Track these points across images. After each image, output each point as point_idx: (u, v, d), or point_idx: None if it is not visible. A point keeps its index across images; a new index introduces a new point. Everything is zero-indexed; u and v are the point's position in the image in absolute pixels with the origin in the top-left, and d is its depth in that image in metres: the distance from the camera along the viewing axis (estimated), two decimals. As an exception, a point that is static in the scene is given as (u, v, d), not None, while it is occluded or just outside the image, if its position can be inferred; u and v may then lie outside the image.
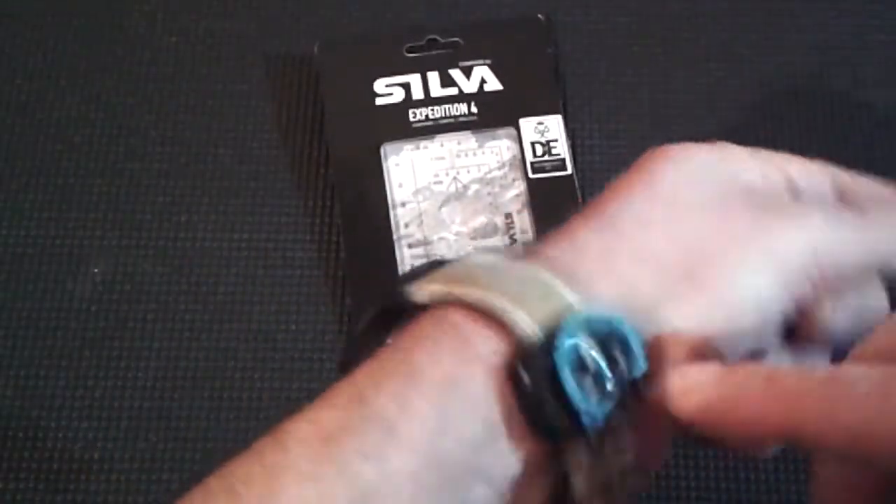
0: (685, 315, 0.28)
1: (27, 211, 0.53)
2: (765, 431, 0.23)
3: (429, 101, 0.53)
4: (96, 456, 0.47)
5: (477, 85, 0.54)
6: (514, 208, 0.51)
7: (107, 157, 0.54)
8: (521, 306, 0.27)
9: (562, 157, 0.52)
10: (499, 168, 0.52)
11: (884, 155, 0.55)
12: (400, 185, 0.51)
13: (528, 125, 0.53)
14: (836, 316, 0.30)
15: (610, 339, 0.27)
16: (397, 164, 0.52)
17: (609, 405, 0.27)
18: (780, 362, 0.30)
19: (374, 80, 0.54)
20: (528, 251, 0.30)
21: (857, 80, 0.57)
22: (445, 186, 0.51)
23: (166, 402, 0.48)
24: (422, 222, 0.50)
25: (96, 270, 0.51)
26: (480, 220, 0.51)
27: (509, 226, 0.51)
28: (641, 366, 0.27)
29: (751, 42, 0.58)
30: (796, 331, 0.30)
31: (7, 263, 0.52)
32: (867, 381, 0.22)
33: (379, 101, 0.53)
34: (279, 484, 0.26)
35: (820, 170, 0.34)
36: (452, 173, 0.52)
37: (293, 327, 0.50)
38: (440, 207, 0.51)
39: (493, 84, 0.54)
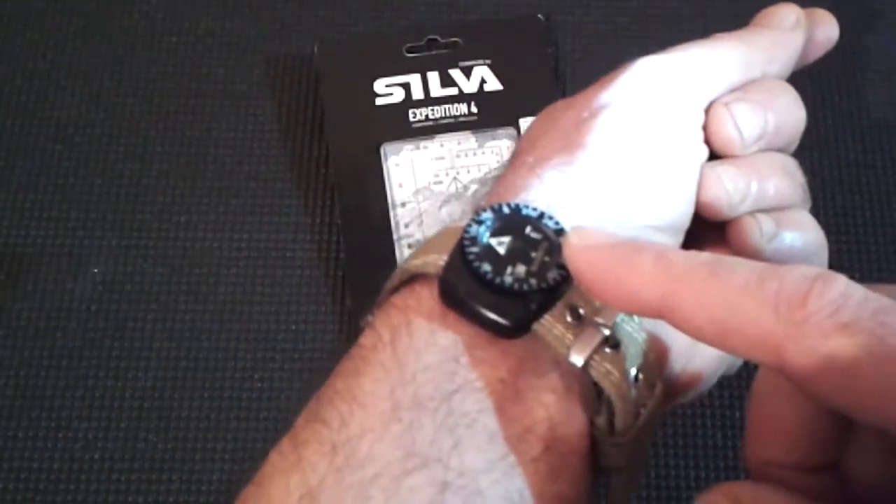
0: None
1: (27, 211, 0.53)
2: (642, 302, 0.24)
3: (429, 100, 0.53)
4: (96, 456, 0.47)
5: (477, 85, 0.54)
6: None
7: (107, 157, 0.54)
8: (440, 252, 0.29)
9: None
10: (499, 168, 0.52)
11: (883, 155, 0.55)
12: (400, 185, 0.51)
13: (528, 125, 0.52)
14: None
15: (519, 223, 0.28)
16: (397, 164, 0.52)
17: (536, 276, 0.28)
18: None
19: (374, 80, 0.54)
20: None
21: (857, 80, 0.57)
22: (445, 186, 0.51)
23: (166, 402, 0.48)
24: (422, 222, 0.51)
25: (96, 270, 0.51)
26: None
27: None
28: (555, 239, 0.28)
29: (751, 42, 0.58)
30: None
31: (7, 263, 0.52)
32: (745, 270, 0.22)
33: (379, 101, 0.53)
34: (263, 489, 0.27)
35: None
36: (452, 173, 0.52)
37: (293, 327, 0.50)
38: (440, 207, 0.51)
39: (493, 84, 0.54)
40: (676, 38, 0.57)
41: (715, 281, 0.23)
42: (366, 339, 0.29)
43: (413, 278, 0.30)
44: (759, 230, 0.32)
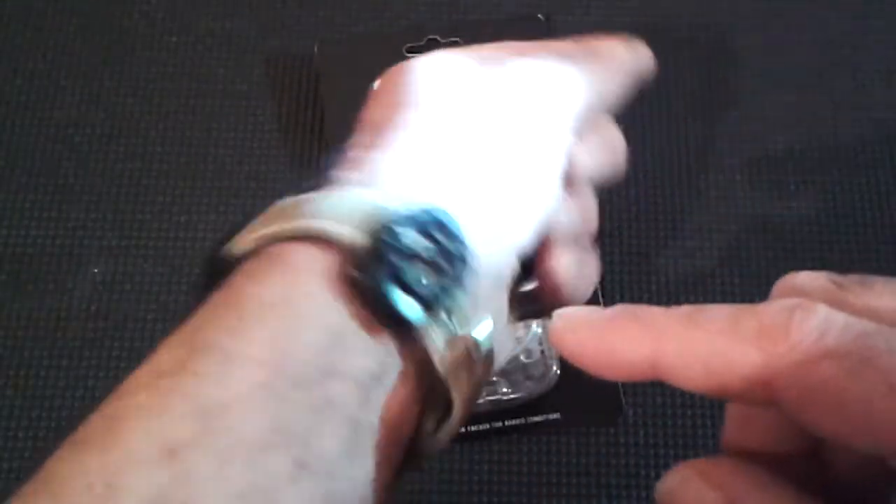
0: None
1: (27, 211, 0.53)
2: (636, 367, 0.24)
3: None
4: (96, 456, 0.47)
5: None
6: None
7: (107, 157, 0.54)
8: (342, 222, 0.28)
9: None
10: None
11: (883, 155, 0.55)
12: None
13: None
14: (589, 157, 0.34)
15: (430, 225, 0.28)
16: None
17: (445, 280, 0.28)
18: (566, 208, 0.33)
19: (375, 80, 0.53)
20: (334, 179, 0.31)
21: (857, 80, 0.57)
22: None
23: (166, 402, 0.48)
24: None
25: (96, 270, 0.51)
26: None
27: None
28: (465, 243, 0.29)
29: (751, 42, 0.58)
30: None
31: (7, 263, 0.52)
32: (722, 313, 0.23)
33: None
34: (121, 424, 0.26)
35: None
36: None
37: (293, 327, 0.50)
38: None
39: None
40: (677, 38, 0.58)
41: (696, 330, 0.23)
42: (252, 283, 0.28)
43: (302, 237, 0.29)
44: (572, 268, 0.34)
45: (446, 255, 0.28)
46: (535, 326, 0.48)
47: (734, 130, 0.55)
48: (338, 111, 0.53)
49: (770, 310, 0.22)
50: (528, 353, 0.48)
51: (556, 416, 0.47)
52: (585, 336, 0.25)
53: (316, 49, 0.55)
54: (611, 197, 0.54)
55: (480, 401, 0.46)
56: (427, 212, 0.29)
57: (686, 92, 0.56)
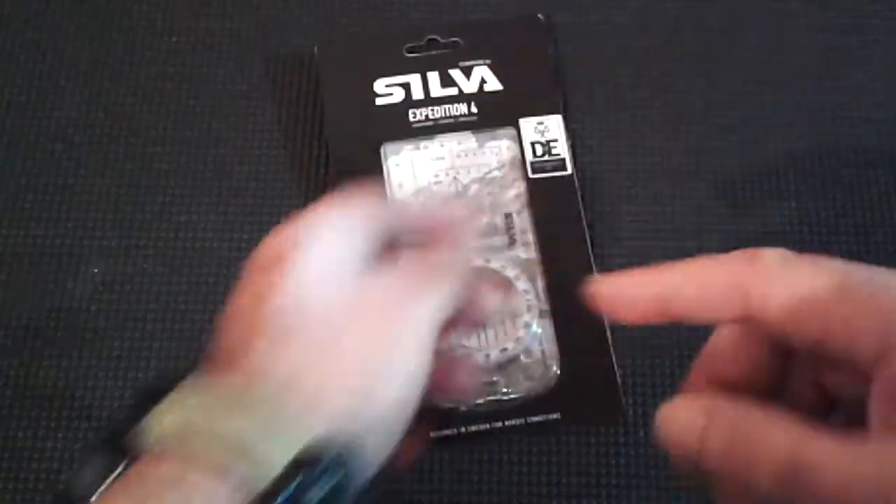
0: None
1: (27, 211, 0.53)
2: (647, 304, 0.29)
3: (429, 101, 0.53)
4: (96, 456, 0.47)
5: (477, 85, 0.54)
6: (513, 208, 0.51)
7: (107, 157, 0.54)
8: (243, 457, 0.29)
9: (562, 157, 0.52)
10: (499, 168, 0.52)
11: (883, 155, 0.55)
12: (400, 186, 0.51)
13: (528, 125, 0.52)
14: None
15: (328, 469, 0.30)
16: (397, 165, 0.52)
17: None
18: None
19: (374, 80, 0.54)
20: (227, 384, 0.32)
21: (858, 80, 0.57)
22: (446, 186, 0.51)
23: (166, 402, 0.48)
24: None
25: (96, 270, 0.51)
26: (481, 220, 0.51)
27: (509, 226, 0.51)
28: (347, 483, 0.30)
29: (751, 42, 0.58)
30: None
31: (7, 263, 0.52)
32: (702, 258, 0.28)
33: (379, 101, 0.53)
34: None
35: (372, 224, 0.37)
36: (452, 173, 0.52)
37: (293, 327, 0.50)
38: None
39: (493, 84, 0.54)
40: (677, 38, 0.58)
41: (690, 264, 0.28)
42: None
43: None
44: None
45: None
46: (535, 326, 0.48)
47: (734, 130, 0.55)
48: (338, 111, 0.53)
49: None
50: (528, 352, 0.47)
51: (555, 416, 0.47)
52: (609, 287, 0.30)
53: (316, 50, 0.55)
54: (611, 197, 0.54)
55: (480, 401, 0.46)
56: (326, 462, 0.29)
57: (686, 91, 0.56)
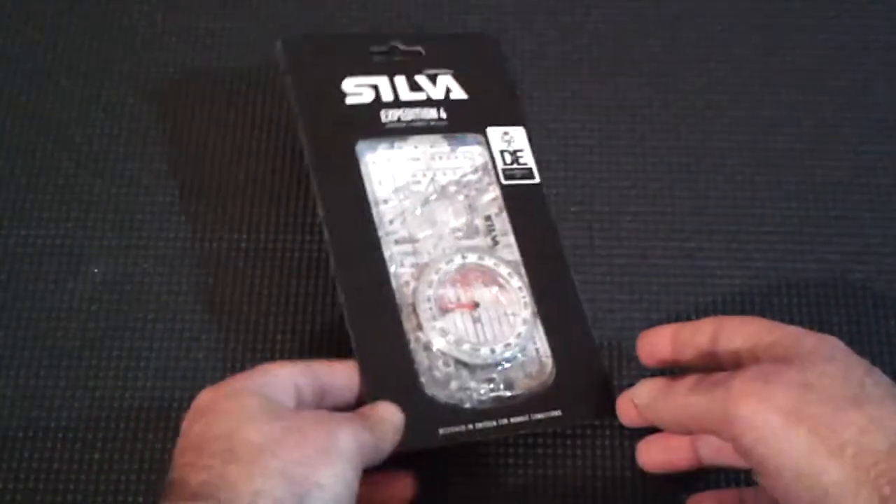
0: None
1: (27, 211, 0.53)
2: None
3: (399, 103, 0.52)
4: (96, 456, 0.47)
5: (443, 92, 0.53)
6: (492, 211, 0.51)
7: (107, 157, 0.54)
8: None
9: (528, 166, 0.52)
10: (473, 172, 0.52)
11: (883, 155, 0.55)
12: (380, 183, 0.50)
13: (495, 134, 0.52)
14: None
15: None
16: (374, 163, 0.50)
17: None
18: None
19: (342, 78, 0.52)
20: None
21: (857, 80, 0.57)
22: (424, 187, 0.51)
23: (166, 402, 0.48)
24: (405, 219, 0.50)
25: (96, 270, 0.51)
26: (462, 221, 0.50)
27: (490, 227, 0.50)
28: None
29: (751, 42, 0.58)
30: None
31: (7, 263, 0.52)
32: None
33: (349, 101, 0.51)
34: None
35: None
36: (430, 175, 0.51)
37: (292, 327, 0.50)
38: (422, 206, 0.50)
39: (459, 93, 0.53)
40: (676, 38, 0.58)
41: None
42: None
43: None
44: None
45: None
46: (532, 323, 0.48)
47: (734, 130, 0.55)
48: (309, 108, 0.51)
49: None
50: (525, 350, 0.47)
51: (557, 412, 0.46)
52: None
53: (279, 45, 0.52)
54: (611, 197, 0.54)
55: (484, 398, 0.46)
56: None
57: (686, 92, 0.56)
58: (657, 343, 0.44)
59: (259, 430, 0.37)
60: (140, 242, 0.52)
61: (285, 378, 0.41)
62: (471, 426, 0.45)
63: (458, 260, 0.49)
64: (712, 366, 0.42)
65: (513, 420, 0.46)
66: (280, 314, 0.50)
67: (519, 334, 0.47)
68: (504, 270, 0.49)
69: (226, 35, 0.58)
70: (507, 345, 0.47)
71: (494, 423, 0.45)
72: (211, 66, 0.57)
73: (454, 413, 0.45)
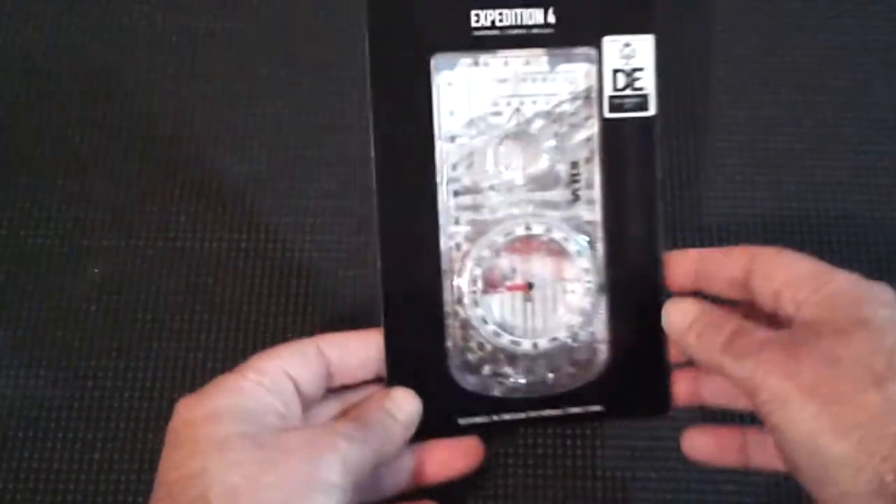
0: None
1: (27, 211, 0.53)
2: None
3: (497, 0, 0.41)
4: (96, 456, 0.47)
5: None
6: (582, 155, 0.42)
7: (107, 156, 0.54)
8: None
9: (645, 92, 0.42)
10: (570, 101, 0.42)
11: (883, 155, 0.55)
12: (451, 113, 0.41)
13: (612, 46, 0.42)
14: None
15: None
16: (450, 84, 0.41)
17: None
18: None
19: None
20: None
21: (857, 80, 0.57)
22: (505, 119, 0.42)
23: (166, 402, 0.48)
24: (472, 163, 0.42)
25: (96, 270, 0.51)
26: (542, 167, 0.42)
27: (574, 177, 0.42)
28: None
29: (751, 42, 0.58)
30: None
31: (7, 263, 0.52)
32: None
33: None
34: None
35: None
36: (515, 102, 0.42)
37: (292, 327, 0.50)
38: (496, 146, 0.42)
39: None
40: (676, 37, 0.58)
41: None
42: None
43: None
44: None
45: None
46: (590, 310, 0.42)
47: (734, 130, 0.55)
48: (379, 4, 0.41)
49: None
50: (574, 336, 0.42)
51: (597, 408, 0.42)
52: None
53: None
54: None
55: (516, 386, 0.42)
56: None
57: (686, 92, 0.56)
58: (679, 269, 0.42)
59: (236, 467, 0.35)
60: (140, 242, 0.52)
61: (276, 376, 0.39)
62: (495, 417, 0.41)
63: (518, 231, 0.41)
64: (744, 297, 0.41)
65: (544, 413, 0.42)
66: (280, 314, 0.50)
67: (571, 326, 0.42)
68: (573, 246, 0.42)
69: (226, 35, 0.58)
70: (554, 339, 0.42)
71: (523, 414, 0.41)
72: (211, 66, 0.57)
73: (478, 401, 0.41)
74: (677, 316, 0.41)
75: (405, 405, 0.40)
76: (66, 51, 0.57)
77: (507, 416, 0.41)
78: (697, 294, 0.42)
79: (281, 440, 0.36)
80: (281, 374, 0.39)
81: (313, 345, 0.40)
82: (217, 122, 0.55)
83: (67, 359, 0.49)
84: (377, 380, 0.42)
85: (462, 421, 0.41)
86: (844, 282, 0.38)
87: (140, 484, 0.47)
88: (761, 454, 0.42)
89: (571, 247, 0.42)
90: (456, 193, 0.41)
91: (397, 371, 0.40)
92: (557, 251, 0.42)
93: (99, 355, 0.49)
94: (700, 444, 0.43)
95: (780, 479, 0.46)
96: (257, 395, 0.38)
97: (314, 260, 0.52)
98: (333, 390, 0.41)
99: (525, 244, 0.42)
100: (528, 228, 0.41)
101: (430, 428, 0.41)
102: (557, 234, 0.41)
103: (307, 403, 0.40)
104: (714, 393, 0.43)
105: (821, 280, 0.38)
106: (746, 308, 0.41)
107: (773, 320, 0.40)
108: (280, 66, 0.56)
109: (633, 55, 0.42)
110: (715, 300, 0.41)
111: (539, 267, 0.42)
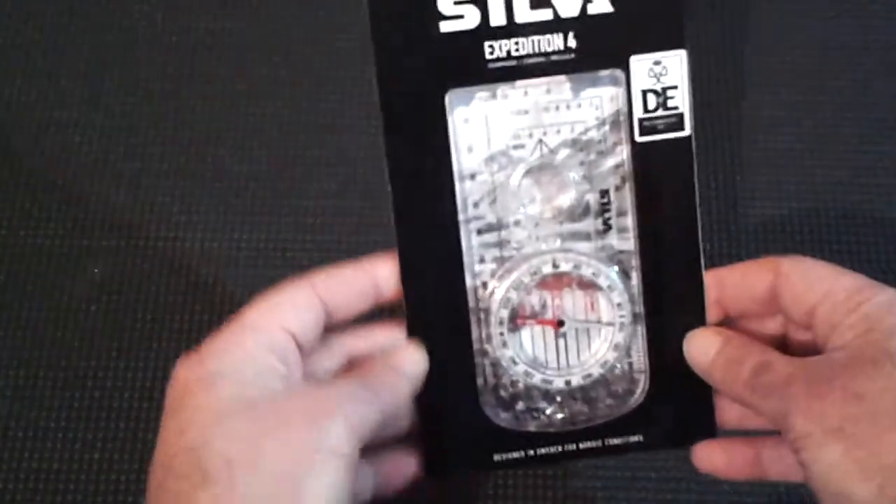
0: None
1: (27, 211, 0.53)
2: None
3: (513, 29, 0.38)
4: (96, 456, 0.47)
5: (579, 6, 0.39)
6: (612, 183, 0.40)
7: (107, 157, 0.54)
8: None
9: (679, 111, 0.39)
10: (597, 127, 0.40)
11: (883, 155, 0.55)
12: (470, 150, 0.40)
13: (640, 66, 0.39)
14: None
15: None
16: (466, 120, 0.39)
17: None
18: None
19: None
20: None
21: (857, 80, 0.57)
22: (528, 152, 0.40)
23: (166, 403, 0.48)
24: (495, 200, 0.40)
25: (96, 270, 0.51)
26: (569, 197, 0.40)
27: (605, 207, 0.40)
28: None
29: (751, 42, 0.58)
30: None
31: (7, 263, 0.52)
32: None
33: (445, 27, 0.38)
34: None
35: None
36: (538, 133, 0.40)
37: (293, 327, 0.50)
38: (521, 179, 0.40)
39: (601, 5, 0.39)
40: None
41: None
42: None
43: None
44: None
45: None
46: (625, 343, 0.41)
47: (734, 130, 0.55)
48: (389, 39, 0.38)
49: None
50: (610, 370, 0.41)
51: (637, 437, 0.40)
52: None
53: None
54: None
55: (553, 420, 0.41)
56: None
57: (686, 92, 0.56)
58: None
59: (234, 436, 0.34)
60: (140, 242, 0.52)
61: (276, 335, 0.37)
62: (531, 451, 0.40)
63: (546, 269, 0.40)
64: (773, 313, 0.39)
65: (582, 446, 0.40)
66: (280, 314, 0.50)
67: (605, 363, 0.40)
68: (605, 281, 0.40)
69: (226, 35, 0.58)
70: (588, 376, 0.40)
71: (560, 448, 0.40)
72: (211, 66, 0.57)
73: (513, 436, 0.40)
74: (698, 351, 0.39)
75: (412, 361, 0.38)
76: (66, 50, 0.57)
77: (542, 451, 0.40)
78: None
79: (282, 406, 0.35)
80: (279, 330, 0.37)
81: (308, 287, 0.38)
82: (217, 122, 0.55)
83: (67, 359, 0.49)
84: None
85: (497, 457, 0.40)
86: (881, 305, 0.36)
87: (140, 484, 0.47)
88: (778, 466, 0.40)
89: (603, 282, 0.40)
90: (479, 232, 0.40)
91: (429, 410, 0.39)
92: (588, 284, 0.40)
93: (99, 355, 0.49)
94: (713, 458, 0.40)
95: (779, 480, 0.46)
96: (257, 356, 0.36)
97: (314, 260, 0.52)
98: (332, 328, 0.39)
99: (555, 280, 0.40)
100: (555, 266, 0.40)
101: (466, 465, 0.40)
102: (586, 271, 0.40)
103: (307, 352, 0.38)
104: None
105: (855, 300, 0.37)
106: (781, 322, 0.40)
107: (808, 328, 0.38)
108: (280, 66, 0.56)
109: (664, 73, 0.40)
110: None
111: (570, 303, 0.41)
